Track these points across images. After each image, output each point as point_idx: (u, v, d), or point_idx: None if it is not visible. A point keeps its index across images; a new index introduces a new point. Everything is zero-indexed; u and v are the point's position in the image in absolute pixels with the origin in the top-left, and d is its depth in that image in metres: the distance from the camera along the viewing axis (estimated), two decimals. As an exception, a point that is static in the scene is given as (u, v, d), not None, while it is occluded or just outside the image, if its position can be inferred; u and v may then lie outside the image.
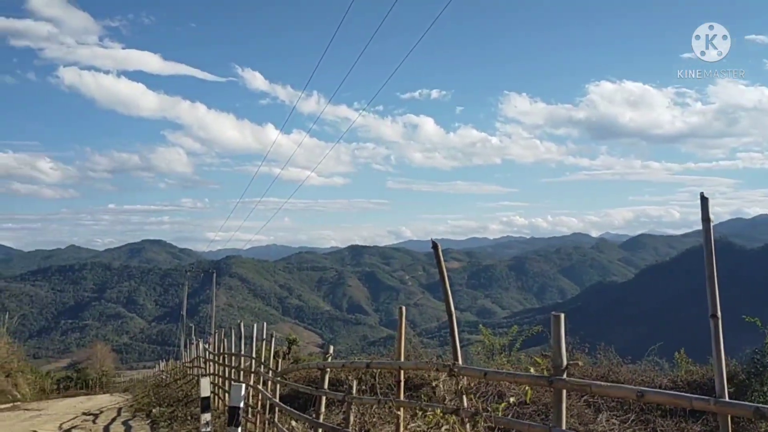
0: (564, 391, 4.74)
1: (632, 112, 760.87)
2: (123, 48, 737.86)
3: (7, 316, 30.50)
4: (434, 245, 5.97)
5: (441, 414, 5.21)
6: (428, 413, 5.31)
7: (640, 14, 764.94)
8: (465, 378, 5.57)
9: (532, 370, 5.09)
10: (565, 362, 4.72)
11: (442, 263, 5.96)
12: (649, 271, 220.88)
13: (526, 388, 4.96)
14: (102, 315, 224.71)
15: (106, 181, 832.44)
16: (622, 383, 9.34)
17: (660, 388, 9.79)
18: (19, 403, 25.24)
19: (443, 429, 5.17)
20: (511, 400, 5.32)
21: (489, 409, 5.16)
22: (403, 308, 6.83)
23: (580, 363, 9.61)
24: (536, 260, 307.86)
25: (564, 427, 4.73)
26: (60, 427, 16.55)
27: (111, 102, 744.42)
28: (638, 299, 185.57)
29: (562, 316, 4.80)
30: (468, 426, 5.23)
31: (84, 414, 20.44)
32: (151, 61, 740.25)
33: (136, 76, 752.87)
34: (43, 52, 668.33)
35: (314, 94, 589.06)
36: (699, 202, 3.73)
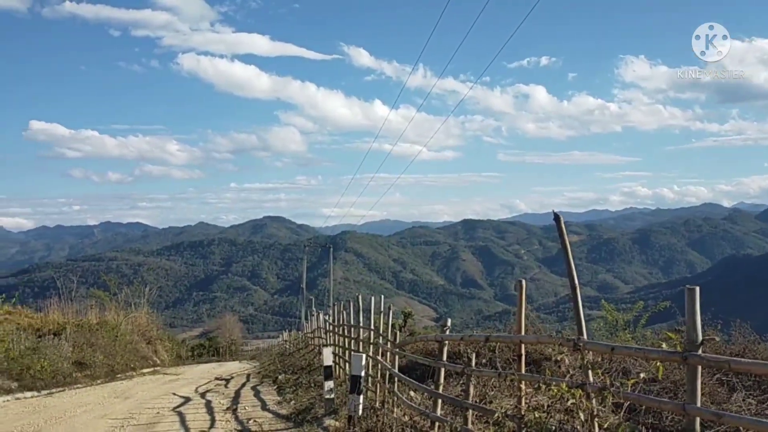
0: (699, 368, 4.54)
1: (767, 72, 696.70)
2: (234, 32, 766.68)
3: (147, 289, 32.91)
4: (556, 217, 5.80)
5: (566, 388, 5.10)
6: (552, 387, 5.22)
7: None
8: (590, 353, 5.43)
9: (664, 345, 4.88)
10: (700, 337, 4.50)
11: (565, 235, 5.79)
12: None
13: (658, 364, 4.76)
14: (229, 288, 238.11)
15: (227, 161, 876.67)
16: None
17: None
18: (158, 368, 27.31)
19: (569, 403, 5.06)
20: (641, 375, 5.12)
21: (616, 384, 5.00)
22: (524, 282, 6.71)
23: (716, 339, 9.07)
24: (662, 233, 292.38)
25: (699, 405, 4.53)
26: (196, 391, 17.78)
27: (228, 85, 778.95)
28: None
29: (697, 288, 4.58)
30: (594, 401, 5.10)
31: (217, 379, 21.88)
32: (260, 43, 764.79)
33: (248, 58, 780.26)
34: (162, 40, 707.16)
35: (420, 68, 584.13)
36: None
